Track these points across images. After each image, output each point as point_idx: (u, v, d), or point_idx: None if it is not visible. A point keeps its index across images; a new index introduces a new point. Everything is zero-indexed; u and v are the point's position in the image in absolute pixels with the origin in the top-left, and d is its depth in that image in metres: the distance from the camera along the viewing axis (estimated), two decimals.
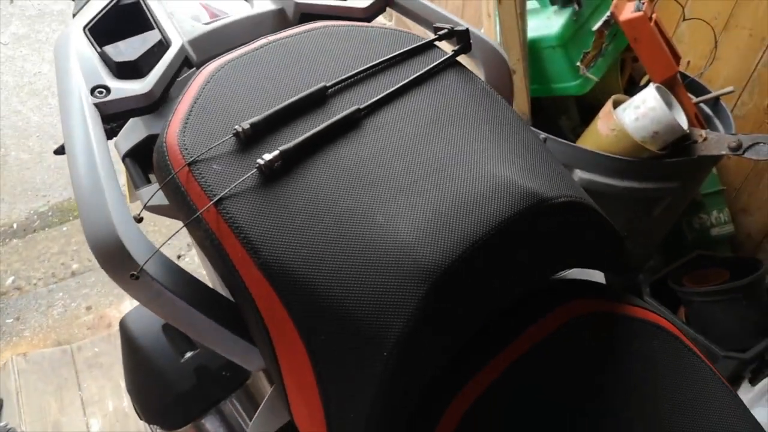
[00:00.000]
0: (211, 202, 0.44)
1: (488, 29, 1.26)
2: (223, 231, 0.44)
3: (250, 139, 0.47)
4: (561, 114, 1.33)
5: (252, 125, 0.47)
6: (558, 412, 0.47)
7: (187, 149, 0.46)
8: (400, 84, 0.53)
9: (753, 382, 1.17)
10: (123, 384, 1.56)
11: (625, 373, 0.49)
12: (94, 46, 0.54)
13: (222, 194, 0.44)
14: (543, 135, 1.15)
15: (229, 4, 0.69)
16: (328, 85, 0.51)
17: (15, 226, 2.10)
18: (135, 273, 0.43)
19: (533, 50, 1.19)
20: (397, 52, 0.56)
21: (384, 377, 0.40)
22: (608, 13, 1.18)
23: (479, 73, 0.65)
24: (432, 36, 0.63)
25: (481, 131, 0.51)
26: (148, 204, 0.56)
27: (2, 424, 1.43)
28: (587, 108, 1.34)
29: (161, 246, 0.45)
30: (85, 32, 0.55)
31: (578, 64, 1.17)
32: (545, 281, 0.53)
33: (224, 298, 0.49)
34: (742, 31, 1.37)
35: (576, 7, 1.15)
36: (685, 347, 0.51)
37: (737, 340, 1.19)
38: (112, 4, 0.59)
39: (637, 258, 1.40)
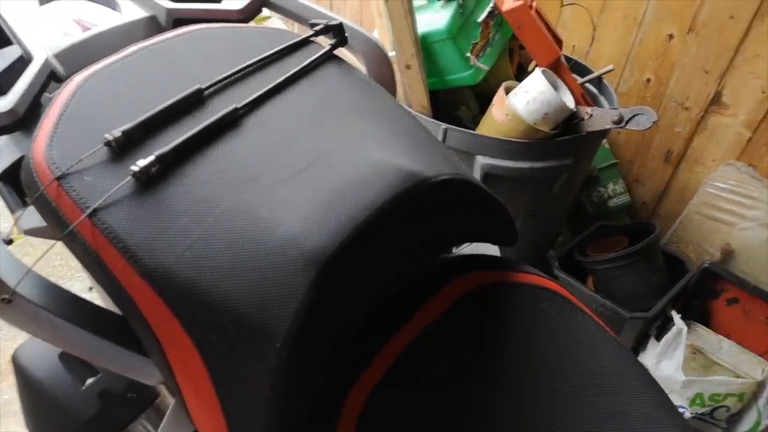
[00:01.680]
0: (84, 214, 0.43)
1: (381, 27, 1.28)
2: (99, 242, 0.43)
3: (124, 148, 0.46)
4: (460, 105, 1.38)
5: (124, 132, 0.46)
6: (455, 387, 0.49)
7: (55, 163, 0.45)
8: (279, 80, 0.53)
9: (658, 338, 1.25)
10: None
11: (516, 337, 0.51)
12: None
13: (95, 205, 0.43)
14: (444, 126, 1.19)
15: (102, 17, 0.67)
16: (203, 87, 0.51)
17: None
18: (7, 297, 0.41)
19: (425, 45, 1.22)
20: (274, 50, 0.56)
21: (279, 369, 0.40)
22: (491, 4, 1.24)
23: (362, 67, 0.67)
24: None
25: (361, 119, 0.52)
26: (24, 227, 0.54)
27: None
28: (484, 97, 1.39)
29: (33, 265, 0.43)
30: None
31: (468, 54, 1.21)
32: (436, 259, 0.55)
33: (111, 313, 0.47)
34: (617, 13, 1.47)
35: (461, 0, 1.19)
36: (571, 305, 0.54)
37: (641, 301, 1.27)
38: None
39: (546, 236, 1.47)
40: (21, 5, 0.63)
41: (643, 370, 0.52)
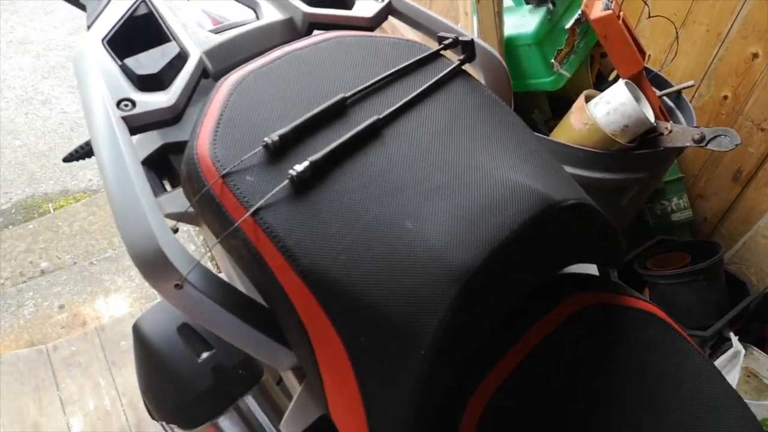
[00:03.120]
0: (249, 212, 0.46)
1: (465, 26, 1.29)
2: (261, 240, 0.46)
3: (279, 151, 0.49)
4: (533, 108, 1.38)
5: (280, 137, 0.49)
6: (570, 399, 0.52)
7: (219, 161, 0.48)
8: (415, 93, 0.56)
9: (712, 357, 1.26)
10: (103, 383, 1.55)
11: (626, 360, 0.54)
12: (114, 59, 0.55)
13: (259, 204, 0.46)
14: None
15: (230, 11, 0.71)
16: (346, 95, 0.54)
17: None
18: (179, 283, 0.45)
19: (509, 47, 1.23)
20: (408, 62, 0.59)
21: (421, 373, 0.43)
22: (579, 12, 1.24)
23: (477, 76, 0.69)
24: (433, 42, 0.67)
25: (492, 138, 0.55)
26: (166, 211, 0.58)
27: None
28: (557, 101, 1.39)
29: (203, 257, 0.47)
30: (104, 45, 0.56)
31: (552, 61, 1.22)
32: (552, 276, 0.57)
33: (259, 304, 0.51)
34: (700, 26, 1.45)
35: (550, 6, 1.20)
36: (677, 333, 0.56)
37: (698, 319, 1.28)
38: (128, 15, 0.59)
39: None
40: None
41: (746, 408, 0.54)
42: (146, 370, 0.68)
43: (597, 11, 1.22)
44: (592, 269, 0.65)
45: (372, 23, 0.67)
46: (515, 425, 0.50)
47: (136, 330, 0.67)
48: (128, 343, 1.62)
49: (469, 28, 1.26)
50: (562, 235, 0.53)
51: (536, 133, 1.21)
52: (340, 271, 0.45)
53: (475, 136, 0.54)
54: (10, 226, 2.02)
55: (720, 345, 1.29)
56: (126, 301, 1.78)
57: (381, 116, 0.53)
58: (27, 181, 2.17)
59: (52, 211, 2.09)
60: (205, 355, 0.65)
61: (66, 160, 0.64)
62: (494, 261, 0.45)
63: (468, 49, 0.61)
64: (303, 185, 0.48)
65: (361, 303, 0.44)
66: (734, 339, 1.24)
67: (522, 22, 1.22)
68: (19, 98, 2.50)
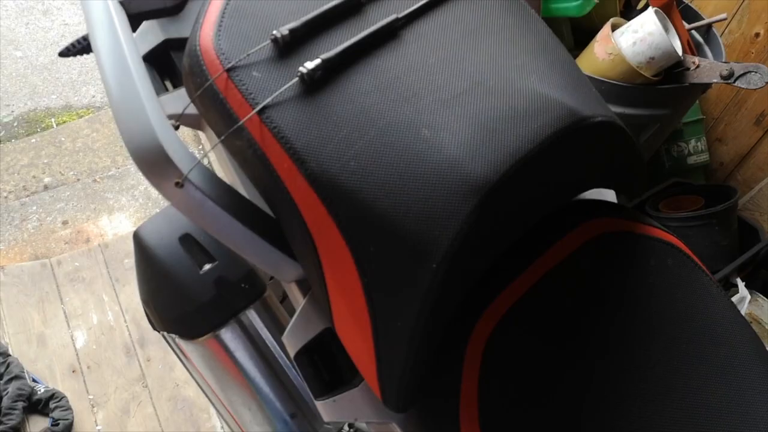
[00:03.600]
0: (255, 110, 0.43)
1: None
2: (267, 141, 0.43)
3: (288, 46, 0.46)
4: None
5: (291, 31, 0.45)
6: (584, 326, 0.50)
7: (224, 54, 0.45)
8: None
9: None
10: (106, 298, 1.56)
11: (643, 287, 0.52)
12: None
13: (266, 102, 0.43)
14: None
15: None
16: None
17: None
18: (179, 181, 0.43)
19: None
20: None
21: (432, 287, 0.41)
22: None
23: None
24: None
25: (519, 45, 0.51)
26: (168, 112, 0.55)
27: None
28: (581, 31, 1.33)
29: (203, 156, 0.44)
30: None
31: None
32: (573, 198, 0.55)
33: (263, 212, 0.49)
34: None
35: None
36: (695, 265, 0.54)
37: (708, 262, 1.25)
38: None
39: None
40: None
41: (759, 342, 0.53)
42: (147, 279, 0.67)
43: None
44: (610, 196, 0.63)
45: None
46: (524, 353, 0.49)
47: (137, 238, 0.65)
48: (131, 261, 1.62)
49: None
50: (587, 153, 0.50)
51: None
52: (350, 177, 0.42)
53: (501, 42, 0.50)
54: (13, 140, 1.99)
55: (727, 290, 1.28)
56: (130, 220, 1.77)
57: (400, 15, 0.49)
58: (29, 95, 2.12)
59: (54, 126, 2.05)
60: (207, 266, 0.64)
61: (62, 54, 0.60)
62: (515, 175, 0.43)
63: None
64: (314, 84, 0.44)
65: (372, 211, 0.42)
66: (741, 285, 1.23)
67: None
68: (19, 8, 2.41)
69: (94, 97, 2.13)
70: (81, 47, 0.63)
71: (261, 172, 0.45)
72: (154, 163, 0.43)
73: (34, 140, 1.98)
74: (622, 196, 0.68)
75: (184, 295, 0.63)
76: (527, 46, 0.51)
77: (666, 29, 1.13)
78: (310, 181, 0.43)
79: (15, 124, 2.04)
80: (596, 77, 1.14)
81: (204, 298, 0.63)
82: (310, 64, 0.44)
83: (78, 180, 1.88)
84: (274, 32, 0.45)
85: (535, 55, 0.50)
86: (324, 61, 0.44)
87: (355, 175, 0.42)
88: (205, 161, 0.47)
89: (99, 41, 0.47)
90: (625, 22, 1.16)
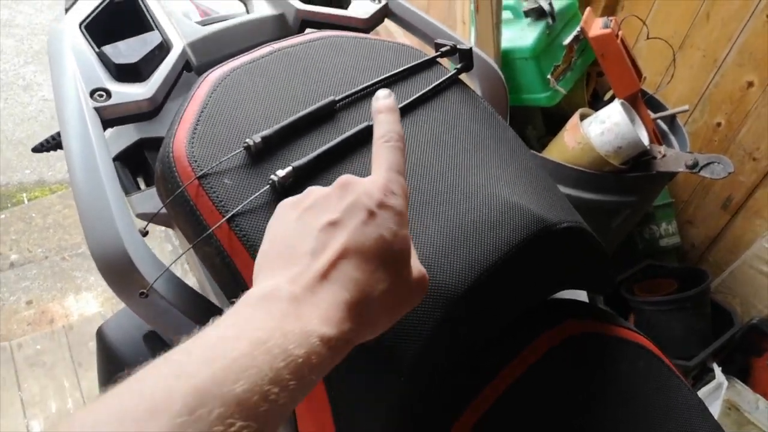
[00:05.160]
0: (225, 218, 0.43)
1: (462, 36, 1.27)
2: (236, 248, 0.43)
3: (260, 153, 0.46)
4: (527, 123, 1.36)
5: (263, 138, 0.46)
6: (557, 429, 0.49)
7: (196, 161, 0.45)
8: (408, 101, 0.53)
9: (695, 387, 1.24)
10: (67, 384, 1.49)
11: (615, 391, 0.51)
12: (91, 46, 0.51)
13: (235, 210, 0.43)
14: None
15: (219, 3, 0.67)
16: (336, 99, 0.50)
17: None
18: (144, 291, 0.41)
19: (506, 60, 1.21)
20: (403, 68, 0.56)
21: (398, 398, 0.40)
22: (578, 29, 1.22)
23: (473, 86, 0.66)
24: (429, 48, 0.64)
25: (487, 152, 0.52)
26: (137, 211, 0.54)
27: None
28: (552, 117, 1.37)
29: (170, 265, 0.43)
30: (81, 30, 0.52)
31: (549, 76, 1.20)
32: (541, 301, 0.54)
33: None
34: (697, 51, 1.44)
35: (549, 21, 1.18)
36: (666, 367, 0.54)
37: (682, 347, 1.26)
38: (108, 0, 0.56)
39: None
40: None
41: None
42: (108, 377, 0.63)
43: (596, 29, 1.20)
44: (580, 295, 0.62)
45: (367, 25, 0.64)
46: None
47: (100, 335, 0.63)
48: None
49: (466, 37, 1.23)
50: (554, 258, 0.50)
51: (531, 150, 1.19)
52: None
53: (468, 149, 0.51)
54: None
55: (703, 375, 1.27)
56: (97, 300, 1.72)
57: (371, 123, 0.50)
58: (2, 169, 2.10)
59: (26, 201, 2.02)
60: None
61: (35, 150, 0.59)
62: (482, 285, 0.42)
63: (466, 57, 0.58)
64: (284, 191, 0.44)
65: None
66: (717, 370, 1.23)
67: (520, 35, 1.20)
68: (0, 82, 2.43)
69: (68, 172, 2.12)
70: (55, 143, 0.63)
71: (228, 279, 0.44)
72: (120, 272, 0.42)
73: (3, 216, 1.94)
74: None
75: None
76: (495, 152, 0.52)
77: (632, 120, 1.18)
78: None
79: None
80: (567, 164, 1.17)
81: None
82: (281, 172, 0.44)
83: (46, 257, 1.83)
84: (247, 140, 0.45)
85: (502, 161, 0.51)
86: (295, 169, 0.44)
87: None
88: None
89: (71, 144, 0.46)
90: (593, 112, 1.21)
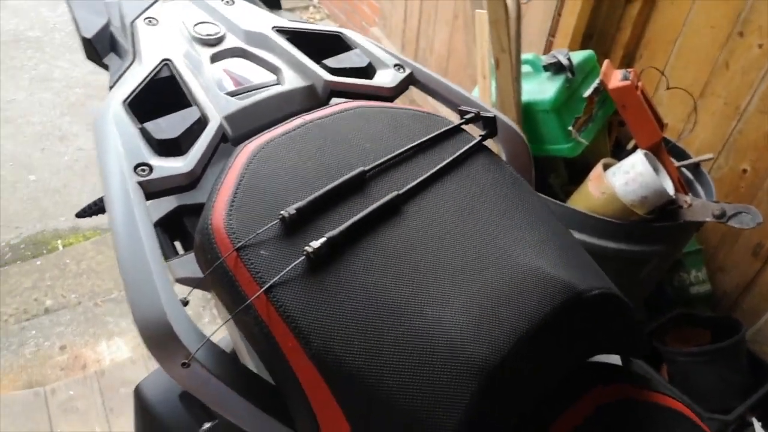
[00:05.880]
0: (262, 289, 0.44)
1: (483, 89, 1.30)
2: (273, 319, 0.44)
3: (295, 224, 0.48)
4: (550, 172, 1.38)
5: (297, 210, 0.48)
6: None
7: (234, 233, 0.47)
8: (435, 169, 0.55)
9: None
10: (98, 430, 1.50)
11: None
12: (134, 122, 0.55)
13: (272, 282, 0.45)
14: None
15: (251, 72, 0.71)
16: (366, 169, 0.53)
17: None
18: (186, 362, 0.43)
19: (527, 113, 1.24)
20: (429, 136, 0.58)
21: None
22: (598, 81, 1.24)
23: (497, 150, 0.68)
24: (453, 114, 0.66)
25: (515, 218, 0.53)
26: (177, 276, 0.56)
27: None
28: (575, 166, 1.39)
29: (212, 335, 0.45)
30: (124, 107, 0.56)
31: (570, 128, 1.22)
32: (575, 368, 0.55)
33: (267, 383, 0.49)
34: (718, 99, 1.45)
35: (569, 75, 1.20)
36: None
37: (719, 400, 1.23)
38: (149, 77, 0.59)
39: None
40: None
41: None
42: None
43: (615, 81, 1.22)
44: (614, 358, 0.62)
45: (393, 93, 0.67)
46: None
47: (138, 394, 0.65)
48: (127, 390, 1.59)
49: (486, 91, 1.27)
50: (587, 325, 0.51)
51: (553, 200, 1.20)
52: (354, 357, 0.43)
53: (495, 216, 0.53)
54: (18, 262, 2.01)
55: (742, 430, 1.23)
56: (128, 346, 1.75)
57: (401, 192, 0.52)
58: (38, 217, 2.18)
59: (60, 248, 2.08)
60: (206, 425, 0.62)
61: (79, 215, 0.63)
62: (516, 355, 0.43)
63: (490, 124, 0.61)
64: (318, 262, 0.46)
65: (375, 394, 0.42)
66: (757, 426, 1.19)
67: (540, 89, 1.22)
68: (38, 134, 2.54)
69: (101, 219, 2.18)
70: (97, 209, 0.66)
71: (266, 349, 0.45)
72: (163, 342, 0.44)
73: (38, 262, 2.00)
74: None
75: None
76: (522, 219, 0.54)
77: (656, 169, 1.18)
78: (314, 361, 0.43)
79: (22, 246, 2.08)
80: (593, 214, 1.18)
81: None
82: (315, 244, 0.46)
83: (79, 303, 1.88)
84: (282, 212, 0.47)
85: (530, 229, 0.53)
86: (329, 239, 0.46)
87: (359, 354, 0.43)
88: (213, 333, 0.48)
89: (116, 218, 0.49)
90: (616, 162, 1.22)
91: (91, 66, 0.71)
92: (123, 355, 1.72)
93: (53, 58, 3.01)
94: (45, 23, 3.27)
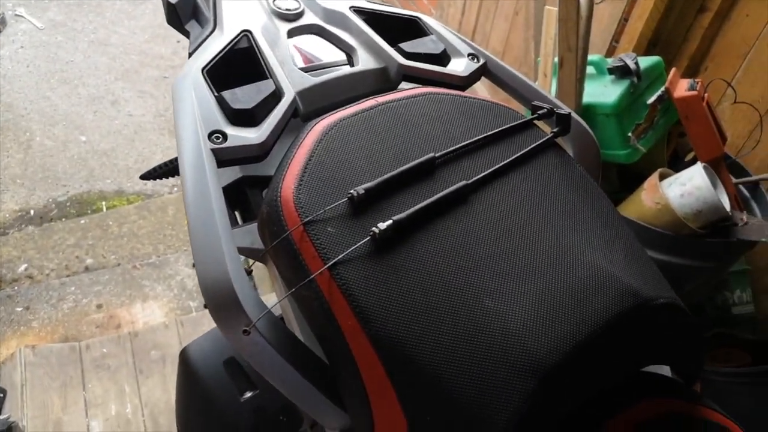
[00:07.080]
0: (326, 265, 0.44)
1: (543, 87, 1.28)
2: (334, 296, 0.44)
3: (362, 204, 0.48)
4: (602, 178, 1.35)
5: (366, 190, 0.48)
6: None
7: (302, 208, 0.47)
8: (505, 162, 0.54)
9: None
10: (128, 389, 1.55)
11: None
12: (212, 90, 0.55)
13: (337, 258, 0.45)
14: None
15: (321, 50, 0.70)
16: (436, 155, 0.52)
17: (32, 212, 2.09)
18: (247, 329, 0.44)
19: (587, 114, 1.21)
20: (500, 128, 0.57)
21: None
22: (663, 89, 1.21)
23: (566, 148, 0.67)
24: (524, 108, 0.65)
25: (582, 218, 0.52)
26: (237, 245, 0.57)
27: (3, 417, 1.41)
28: (626, 173, 1.36)
29: (273, 306, 0.46)
30: (203, 74, 0.56)
31: (629, 134, 1.19)
32: (630, 375, 0.53)
33: (320, 360, 0.49)
34: None
35: (635, 80, 1.17)
36: None
37: (757, 426, 1.19)
38: (228, 47, 0.60)
39: None
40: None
41: None
42: (186, 399, 0.66)
43: (681, 90, 1.19)
44: (666, 370, 0.61)
45: (465, 82, 0.66)
46: None
47: (183, 357, 0.66)
48: (158, 353, 1.62)
49: (547, 89, 1.24)
50: (647, 334, 0.50)
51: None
52: (413, 341, 0.43)
53: (564, 214, 0.52)
54: (63, 219, 2.07)
55: None
56: (162, 310, 1.78)
57: (469, 182, 0.51)
58: (86, 177, 2.23)
59: (104, 209, 2.13)
60: (248, 394, 0.63)
61: (144, 177, 0.64)
62: (576, 356, 0.42)
63: (564, 122, 0.59)
64: (383, 244, 0.46)
65: (432, 380, 0.42)
66: None
67: (603, 92, 1.19)
68: (91, 96, 2.60)
69: (146, 185, 2.23)
70: (162, 171, 0.67)
71: (323, 324, 0.45)
72: (227, 308, 0.44)
73: (82, 221, 2.05)
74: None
75: (222, 420, 0.62)
76: (590, 220, 0.52)
77: (714, 184, 1.15)
78: (373, 341, 0.43)
79: (68, 204, 2.14)
80: (643, 223, 1.15)
81: (241, 427, 0.62)
82: (382, 225, 0.45)
83: (119, 264, 1.92)
84: (351, 191, 0.47)
85: (598, 229, 0.52)
86: (395, 222, 0.46)
87: (416, 339, 0.43)
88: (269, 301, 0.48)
89: (188, 182, 0.50)
90: (673, 173, 1.19)
91: (148, 34, 0.72)
92: (157, 319, 1.75)
93: (112, 24, 3.07)
94: None
